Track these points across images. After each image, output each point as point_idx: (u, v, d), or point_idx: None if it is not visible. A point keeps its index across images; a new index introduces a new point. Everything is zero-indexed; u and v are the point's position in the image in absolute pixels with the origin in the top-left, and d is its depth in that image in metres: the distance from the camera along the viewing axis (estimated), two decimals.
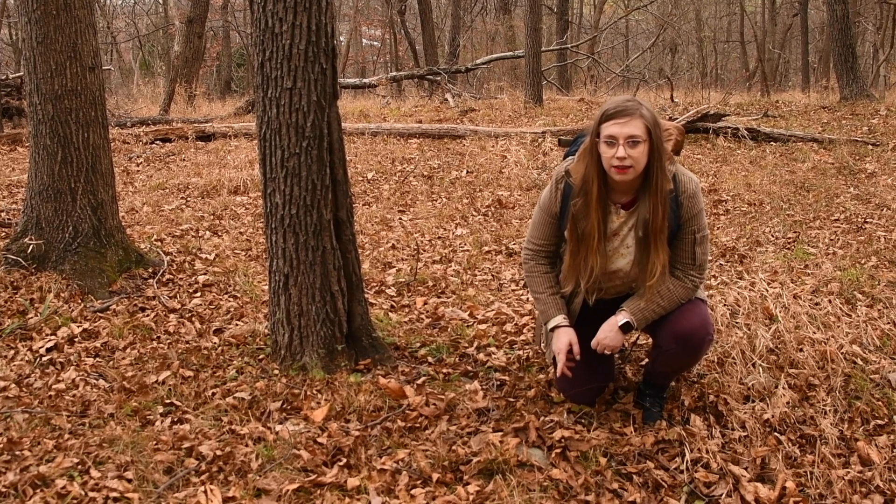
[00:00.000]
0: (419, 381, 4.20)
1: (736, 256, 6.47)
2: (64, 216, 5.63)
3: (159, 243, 6.78)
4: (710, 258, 3.74)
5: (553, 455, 3.58)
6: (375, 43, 40.60)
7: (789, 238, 6.94)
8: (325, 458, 3.52)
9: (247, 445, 3.61)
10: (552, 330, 3.76)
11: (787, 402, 3.94)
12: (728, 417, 3.85)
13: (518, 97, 17.00)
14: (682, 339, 3.63)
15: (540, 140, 11.76)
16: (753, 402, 3.95)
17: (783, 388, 4.05)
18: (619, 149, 3.38)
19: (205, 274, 6.01)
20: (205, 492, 3.23)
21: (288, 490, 3.27)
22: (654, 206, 3.47)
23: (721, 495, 3.36)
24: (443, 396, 4.00)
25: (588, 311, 3.82)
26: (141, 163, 11.18)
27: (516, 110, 15.48)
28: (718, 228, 7.46)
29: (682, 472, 3.48)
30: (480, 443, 3.58)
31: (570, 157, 3.74)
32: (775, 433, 3.73)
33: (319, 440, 3.65)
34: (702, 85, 23.11)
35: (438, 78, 19.07)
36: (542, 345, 4.05)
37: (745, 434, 3.74)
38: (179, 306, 5.38)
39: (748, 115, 14.39)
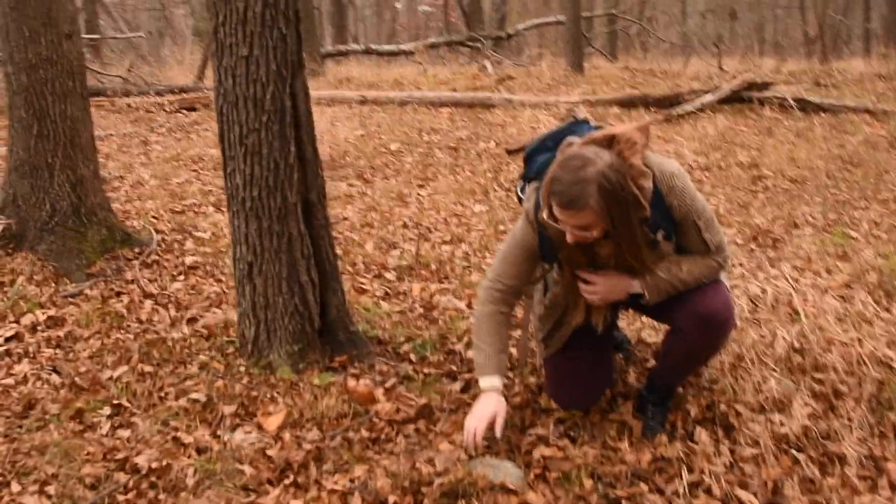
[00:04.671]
0: (393, 384, 3.79)
1: (769, 240, 5.94)
2: (41, 193, 5.29)
3: (154, 220, 6.42)
4: (725, 238, 3.24)
5: (532, 476, 3.16)
6: (430, 9, 39.98)
7: (830, 220, 6.38)
8: (272, 474, 3.14)
9: (189, 457, 3.24)
10: (481, 392, 3.26)
11: (809, 414, 3.48)
12: (739, 431, 3.40)
13: (558, 65, 16.44)
14: (705, 320, 3.15)
15: (574, 110, 11.27)
16: (770, 412, 3.49)
17: (805, 396, 3.59)
18: (568, 234, 2.96)
19: (193, 255, 5.64)
20: None
21: None
22: (621, 243, 3.04)
23: None
24: (413, 402, 3.59)
25: None
26: (163, 132, 10.85)
27: (556, 78, 14.94)
28: (754, 208, 6.92)
29: (679, 495, 3.04)
30: (447, 461, 3.17)
31: (532, 183, 3.27)
32: (793, 451, 3.27)
33: (269, 452, 3.26)
34: (759, 52, 22.32)
35: (478, 44, 18.53)
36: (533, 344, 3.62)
37: (758, 452, 3.28)
38: (158, 291, 5.02)
39: (799, 83, 13.70)
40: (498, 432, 3.17)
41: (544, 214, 2.97)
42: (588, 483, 3.09)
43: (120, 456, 3.22)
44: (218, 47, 3.67)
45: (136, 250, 5.59)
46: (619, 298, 3.28)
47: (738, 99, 11.39)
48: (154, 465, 3.15)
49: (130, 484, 3.07)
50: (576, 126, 3.32)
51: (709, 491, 3.07)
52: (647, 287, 3.16)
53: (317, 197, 3.91)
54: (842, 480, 3.10)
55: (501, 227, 6.66)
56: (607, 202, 2.82)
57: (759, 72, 14.32)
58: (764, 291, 4.38)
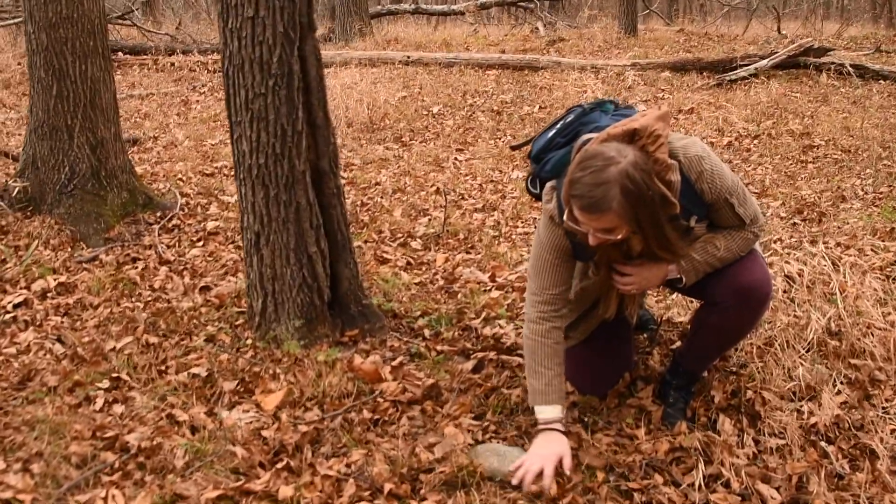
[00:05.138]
0: (401, 361, 3.62)
1: (815, 214, 5.64)
2: (60, 155, 5.19)
3: (181, 183, 6.31)
4: (757, 205, 3.01)
5: None
6: None
7: (881, 193, 6.05)
8: (265, 456, 2.99)
9: (182, 436, 3.10)
10: (544, 426, 2.96)
11: (842, 403, 3.26)
12: (766, 420, 3.19)
13: (612, 27, 16.05)
14: (745, 292, 2.94)
15: (625, 74, 10.97)
16: (800, 401, 3.27)
17: (839, 383, 3.36)
18: (590, 237, 2.72)
19: (216, 220, 5.52)
20: (104, 498, 2.73)
21: (208, 498, 2.75)
22: (649, 241, 2.80)
23: None
24: (420, 382, 3.41)
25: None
26: (204, 92, 10.75)
27: (607, 41, 14.57)
28: (802, 179, 6.61)
29: (696, 489, 2.85)
30: (449, 447, 3.00)
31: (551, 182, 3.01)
32: (822, 443, 3.05)
33: (264, 433, 3.11)
34: (823, 16, 21.65)
35: (531, 5, 18.15)
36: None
37: (784, 443, 3.07)
38: (175, 257, 4.90)
39: (860, 49, 13.18)
40: (567, 471, 2.85)
41: (565, 217, 2.74)
42: (600, 475, 2.90)
43: (110, 434, 3.09)
44: (224, 8, 3.50)
45: (158, 214, 5.49)
46: (655, 287, 3.09)
47: (795, 65, 10.96)
48: (144, 444, 3.02)
49: (117, 464, 2.94)
50: (587, 116, 3.09)
51: (727, 485, 2.87)
52: (684, 271, 2.94)
53: (328, 165, 3.73)
54: (872, 476, 2.88)
55: None
56: (631, 204, 2.58)
57: (818, 37, 13.81)
58: (801, 270, 4.12)
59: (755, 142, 7.87)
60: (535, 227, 3.24)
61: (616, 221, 2.63)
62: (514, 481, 2.82)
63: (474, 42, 15.05)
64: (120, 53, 12.88)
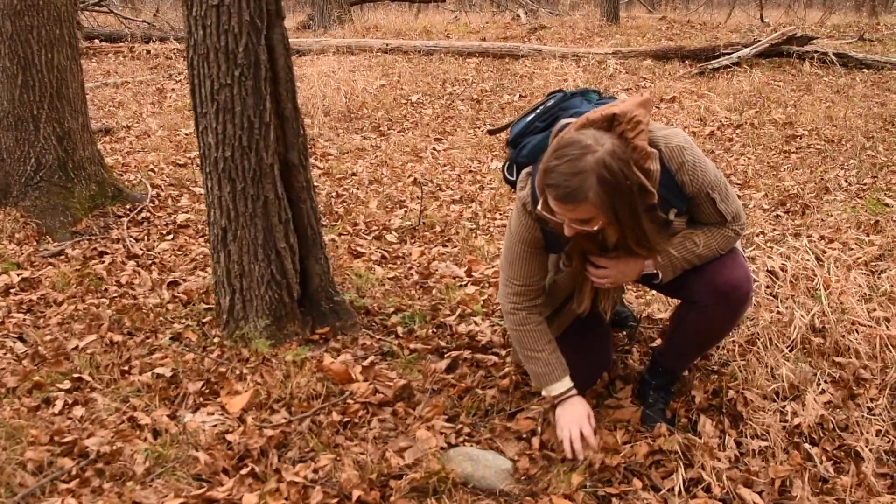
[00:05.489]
0: (372, 361, 3.51)
1: (798, 206, 5.54)
2: (26, 146, 5.05)
3: (153, 174, 6.17)
4: (740, 204, 2.91)
5: (517, 470, 2.89)
6: None
7: (864, 185, 5.96)
8: (229, 461, 2.88)
9: (144, 440, 2.99)
10: (560, 399, 2.98)
11: (826, 402, 3.17)
12: (748, 421, 3.09)
13: (594, 14, 15.94)
14: (724, 293, 2.83)
15: (607, 62, 10.87)
16: (783, 401, 3.18)
17: (823, 382, 3.27)
18: (566, 227, 2.62)
19: (187, 212, 5.39)
20: None
21: None
22: (625, 232, 2.69)
23: None
24: (391, 383, 3.31)
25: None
26: (180, 80, 10.57)
27: (589, 28, 14.46)
28: (785, 170, 6.52)
29: (676, 494, 2.76)
30: (420, 452, 2.90)
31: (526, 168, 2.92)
32: (805, 445, 2.97)
33: (229, 437, 3.00)
34: (806, 4, 21.59)
35: None
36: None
37: (767, 444, 2.98)
38: (143, 251, 4.78)
39: (843, 38, 13.11)
40: (592, 437, 2.91)
41: (539, 206, 2.64)
42: (576, 480, 2.81)
43: (68, 438, 2.98)
44: None
45: (128, 207, 5.36)
46: (631, 281, 2.99)
47: (778, 53, 10.88)
48: (104, 449, 2.91)
49: (75, 471, 2.83)
50: (567, 101, 2.98)
51: (708, 489, 2.78)
52: (661, 267, 2.84)
53: (298, 157, 3.61)
54: (857, 479, 2.80)
55: None
56: (608, 195, 2.47)
57: (801, 25, 13.74)
58: (784, 265, 4.03)
59: (737, 131, 7.79)
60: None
61: (592, 212, 2.53)
62: (568, 456, 2.88)
63: (455, 30, 14.91)
64: (96, 41, 12.70)
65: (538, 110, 2.99)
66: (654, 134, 2.67)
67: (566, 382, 2.97)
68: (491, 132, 3.57)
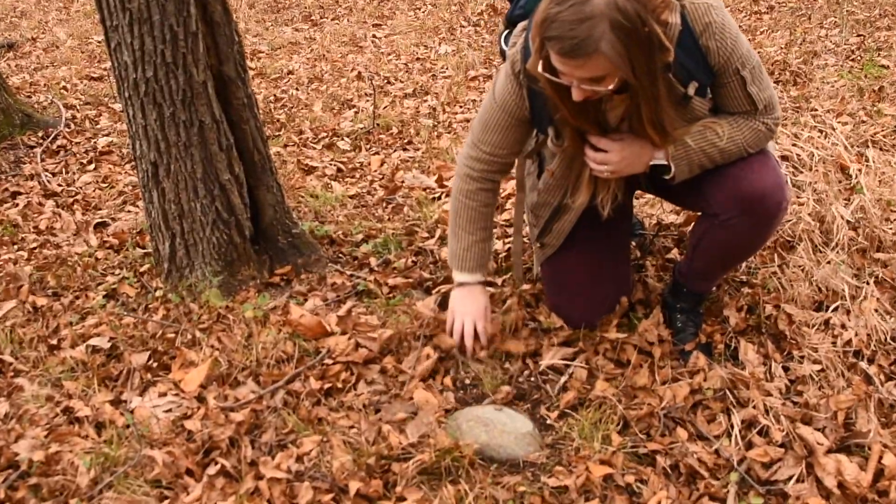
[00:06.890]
0: (349, 308, 2.97)
1: (788, 74, 5.01)
2: None
3: (65, 92, 5.46)
4: (775, 93, 2.38)
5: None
6: None
7: (852, 45, 5.44)
8: (192, 459, 2.34)
9: (86, 438, 2.44)
10: (459, 285, 2.72)
11: (874, 310, 2.72)
12: (793, 341, 2.64)
13: None
14: (750, 203, 2.33)
15: None
16: (830, 310, 2.72)
17: (866, 283, 2.82)
18: (574, 90, 2.11)
19: (108, 134, 4.73)
20: None
21: None
22: (639, 101, 2.18)
23: (787, 481, 2.18)
24: (375, 335, 2.77)
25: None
26: None
27: None
28: (761, 33, 5.97)
29: (731, 442, 2.30)
30: (421, 426, 2.39)
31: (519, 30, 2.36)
32: (863, 363, 2.52)
33: (189, 424, 2.46)
34: None
35: None
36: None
37: (820, 368, 2.52)
38: (63, 187, 4.14)
39: None
40: (487, 332, 2.70)
41: (538, 66, 2.10)
42: (615, 438, 2.34)
43: None
44: None
45: (40, 135, 4.69)
46: (637, 172, 2.43)
47: None
48: (37, 456, 2.35)
49: (2, 492, 2.28)
50: None
51: (765, 433, 2.32)
52: (675, 159, 2.33)
53: (234, 70, 3.00)
54: None
55: (472, 73, 5.74)
56: (624, 43, 1.97)
57: None
58: (795, 144, 3.54)
59: None
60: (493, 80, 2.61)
61: (607, 66, 2.02)
62: (458, 351, 2.70)
63: None
64: None
65: None
66: None
67: (476, 277, 2.72)
68: None
